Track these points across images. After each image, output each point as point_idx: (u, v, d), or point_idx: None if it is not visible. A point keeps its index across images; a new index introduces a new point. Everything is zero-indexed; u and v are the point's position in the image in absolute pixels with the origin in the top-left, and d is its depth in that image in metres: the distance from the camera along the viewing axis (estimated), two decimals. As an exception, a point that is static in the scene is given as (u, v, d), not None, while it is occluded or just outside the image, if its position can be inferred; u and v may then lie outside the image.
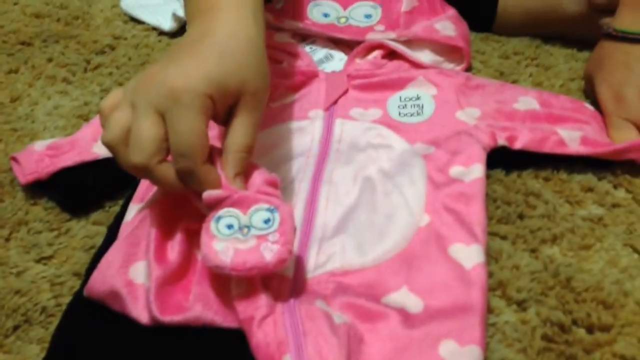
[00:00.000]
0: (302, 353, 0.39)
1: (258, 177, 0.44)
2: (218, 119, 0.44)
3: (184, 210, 0.46)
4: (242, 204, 0.42)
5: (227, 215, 0.42)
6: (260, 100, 0.44)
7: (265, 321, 0.41)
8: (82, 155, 0.56)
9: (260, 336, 0.40)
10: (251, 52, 0.44)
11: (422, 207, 0.51)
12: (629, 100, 0.58)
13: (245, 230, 0.41)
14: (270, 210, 0.42)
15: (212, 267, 0.41)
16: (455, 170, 0.54)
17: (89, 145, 0.57)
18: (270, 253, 0.40)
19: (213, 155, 0.43)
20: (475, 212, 0.50)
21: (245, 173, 0.44)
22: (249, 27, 0.45)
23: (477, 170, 0.53)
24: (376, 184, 0.53)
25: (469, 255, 0.47)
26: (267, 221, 0.42)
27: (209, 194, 0.42)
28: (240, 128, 0.43)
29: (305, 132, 0.59)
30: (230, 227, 0.42)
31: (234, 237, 0.41)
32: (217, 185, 0.42)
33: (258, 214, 0.42)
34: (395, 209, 0.51)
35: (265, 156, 0.56)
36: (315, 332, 0.40)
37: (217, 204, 0.42)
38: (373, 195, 0.52)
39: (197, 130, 0.40)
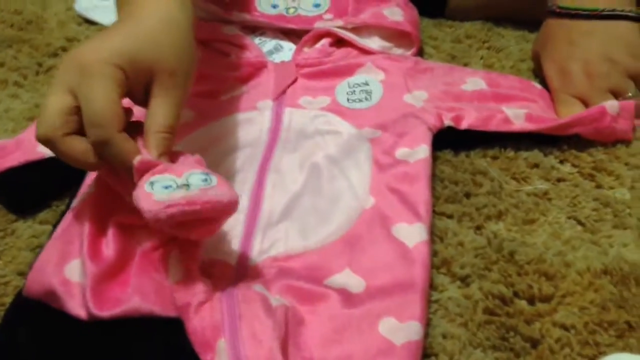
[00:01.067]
0: (237, 336, 0.39)
1: (184, 160, 0.43)
2: (135, 98, 0.44)
3: (116, 205, 0.45)
4: (174, 170, 0.41)
5: (161, 180, 0.40)
6: (178, 81, 0.44)
7: (202, 307, 0.41)
8: (27, 155, 0.56)
9: (197, 322, 0.40)
10: (170, 32, 0.44)
11: (367, 189, 0.51)
12: (574, 75, 0.59)
13: (185, 188, 0.40)
14: (205, 174, 0.41)
15: (157, 214, 0.38)
16: (401, 152, 0.54)
17: (34, 145, 0.56)
18: (219, 195, 0.39)
19: (135, 136, 0.43)
20: (420, 192, 0.50)
21: (169, 156, 0.43)
22: (171, 10, 0.45)
23: (423, 150, 0.54)
24: (322, 169, 0.53)
25: (412, 234, 0.47)
26: (204, 180, 0.40)
27: (140, 159, 0.41)
28: (159, 108, 0.43)
29: (253, 122, 0.59)
30: (167, 187, 0.40)
31: (174, 192, 0.39)
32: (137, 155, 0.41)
33: (194, 176, 0.41)
34: (340, 192, 0.51)
35: (213, 148, 0.56)
36: (250, 314, 0.40)
37: (147, 170, 0.41)
38: (319, 180, 0.52)
39: (108, 98, 0.40)
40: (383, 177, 0.52)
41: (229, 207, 0.40)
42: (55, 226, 0.52)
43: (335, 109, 0.60)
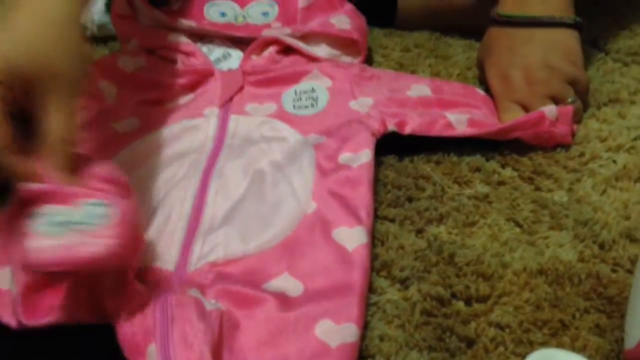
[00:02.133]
0: (167, 340, 0.38)
1: (90, 173, 0.40)
2: (23, 108, 0.40)
3: None
4: (67, 198, 0.38)
5: (50, 214, 0.37)
6: (68, 87, 0.40)
7: (133, 313, 0.40)
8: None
9: (127, 327, 0.39)
10: (55, 35, 0.40)
11: (309, 194, 0.51)
12: (515, 82, 0.60)
13: (72, 226, 0.37)
14: (104, 205, 0.38)
15: (30, 265, 0.37)
16: (344, 157, 0.54)
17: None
18: (97, 247, 0.37)
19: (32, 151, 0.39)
20: (361, 196, 0.50)
21: (73, 168, 0.40)
22: (55, 10, 0.41)
23: (365, 155, 0.54)
24: (266, 175, 0.53)
25: (352, 237, 0.47)
26: (98, 217, 0.38)
27: (24, 187, 0.37)
28: (53, 118, 0.39)
29: (199, 129, 0.58)
30: (53, 223, 0.37)
31: (56, 233, 0.37)
32: (32, 177, 0.38)
33: (88, 209, 0.38)
34: (283, 198, 0.51)
35: (157, 156, 0.56)
36: (182, 319, 0.39)
37: (35, 199, 0.37)
38: (262, 186, 0.52)
39: None
40: (325, 182, 0.52)
41: (105, 262, 0.38)
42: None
43: (281, 115, 0.60)
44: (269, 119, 0.59)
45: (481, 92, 0.64)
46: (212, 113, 0.60)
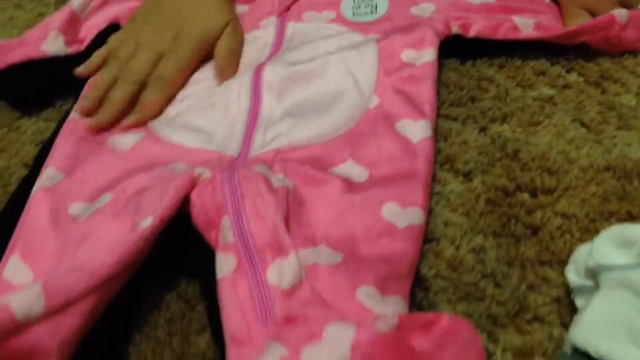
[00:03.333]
0: (240, 213, 0.39)
1: None
2: None
3: None
4: None
5: None
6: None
7: (204, 190, 0.41)
8: (31, 53, 0.55)
9: (199, 204, 0.40)
10: None
11: (372, 88, 0.51)
12: None
13: None
14: None
15: None
16: (407, 54, 0.53)
17: (38, 43, 0.56)
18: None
19: None
20: (425, 92, 0.50)
21: None
22: None
23: (429, 54, 0.53)
24: (329, 63, 0.53)
25: (416, 130, 0.47)
26: None
27: None
28: None
29: (258, 39, 0.58)
30: None
31: None
32: None
33: None
34: (345, 90, 0.51)
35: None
36: (252, 192, 0.40)
37: None
38: (325, 74, 0.52)
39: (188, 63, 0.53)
40: (389, 79, 0.52)
41: None
42: (59, 123, 0.52)
43: (340, 22, 0.59)
44: (328, 24, 0.59)
45: None
46: (270, 22, 0.59)
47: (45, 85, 0.56)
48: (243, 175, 0.41)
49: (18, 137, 0.52)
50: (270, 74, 0.52)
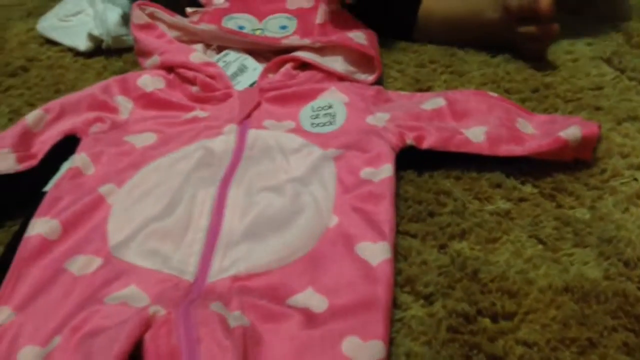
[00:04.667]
0: (196, 358, 0.37)
1: None
2: None
3: None
4: None
5: None
6: None
7: (158, 332, 0.39)
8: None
9: (152, 349, 0.38)
10: None
11: (331, 208, 0.51)
12: None
13: None
14: None
15: None
16: (365, 171, 0.54)
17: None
18: None
19: None
20: (384, 211, 0.50)
21: None
22: None
23: (387, 170, 0.54)
24: (287, 186, 0.53)
25: (375, 252, 0.47)
26: None
27: None
28: None
29: (218, 146, 0.58)
30: None
31: None
32: None
33: None
34: (305, 209, 0.50)
35: (177, 172, 0.55)
36: (209, 337, 0.38)
37: None
38: (283, 197, 0.52)
39: None
40: (347, 197, 0.52)
41: None
42: (7, 246, 0.50)
43: (300, 132, 0.59)
44: (287, 134, 0.59)
45: (493, 94, 0.63)
46: (231, 130, 0.60)
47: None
48: (200, 316, 0.40)
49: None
50: (235, 192, 0.52)
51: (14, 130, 0.58)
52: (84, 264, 0.46)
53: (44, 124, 0.60)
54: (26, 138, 0.58)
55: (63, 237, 0.48)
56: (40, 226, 0.48)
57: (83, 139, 0.58)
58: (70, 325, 0.40)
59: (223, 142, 0.58)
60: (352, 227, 0.49)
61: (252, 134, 0.59)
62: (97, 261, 0.47)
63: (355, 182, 0.53)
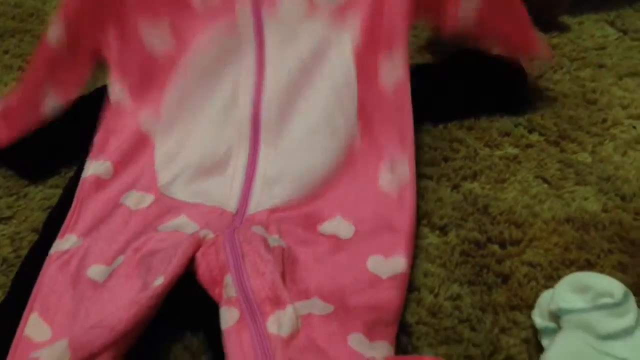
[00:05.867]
0: (241, 270, 0.43)
1: None
2: None
3: None
4: None
5: None
6: None
7: (208, 250, 0.45)
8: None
9: (204, 264, 0.44)
10: None
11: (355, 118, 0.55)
12: None
13: None
14: None
15: None
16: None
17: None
18: None
19: None
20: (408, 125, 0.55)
21: None
22: None
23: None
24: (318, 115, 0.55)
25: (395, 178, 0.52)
26: None
27: None
28: None
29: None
30: None
31: None
32: None
33: None
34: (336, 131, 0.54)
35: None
36: (252, 252, 0.44)
37: None
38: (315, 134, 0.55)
39: None
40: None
41: None
42: (64, 188, 0.56)
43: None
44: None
45: None
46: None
47: (49, 155, 0.60)
48: (243, 236, 0.45)
49: (27, 204, 0.56)
50: (267, 135, 0.55)
51: None
52: (138, 200, 0.52)
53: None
54: None
55: (115, 176, 0.53)
56: (94, 168, 0.54)
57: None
58: (131, 247, 0.46)
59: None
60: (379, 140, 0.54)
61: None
62: (150, 197, 0.52)
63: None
